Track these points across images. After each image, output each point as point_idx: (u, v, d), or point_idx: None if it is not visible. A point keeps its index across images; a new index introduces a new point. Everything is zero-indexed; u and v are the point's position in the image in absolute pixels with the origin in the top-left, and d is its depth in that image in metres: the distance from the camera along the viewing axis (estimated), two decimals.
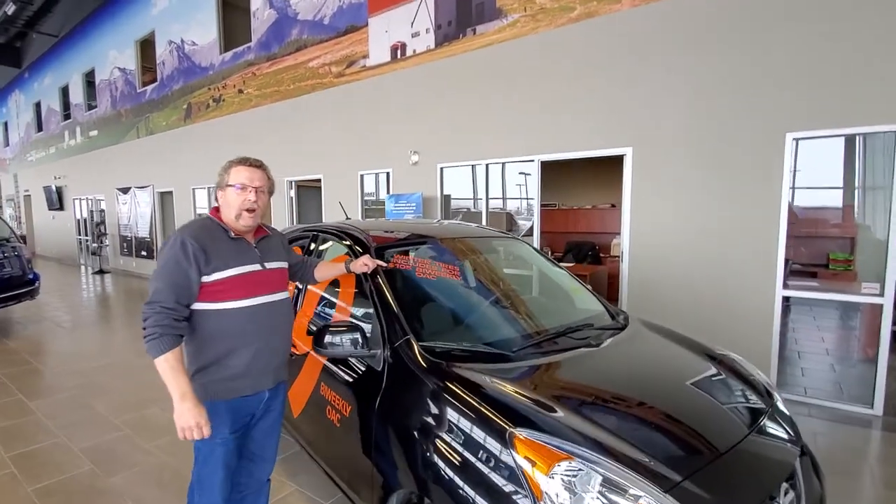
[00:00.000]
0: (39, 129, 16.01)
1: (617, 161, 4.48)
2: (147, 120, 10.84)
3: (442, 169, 5.78)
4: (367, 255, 2.09)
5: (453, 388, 1.57)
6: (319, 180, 7.20)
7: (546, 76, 4.80)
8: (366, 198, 6.74)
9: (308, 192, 8.04)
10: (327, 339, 1.84)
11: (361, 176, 6.67)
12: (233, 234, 1.66)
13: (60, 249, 15.26)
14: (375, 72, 6.27)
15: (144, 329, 1.48)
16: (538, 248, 5.34)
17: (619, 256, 4.55)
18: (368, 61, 6.32)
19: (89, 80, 12.94)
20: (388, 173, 6.31)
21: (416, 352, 1.77)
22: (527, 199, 5.47)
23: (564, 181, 9.06)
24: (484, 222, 5.48)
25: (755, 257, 3.74)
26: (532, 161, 4.97)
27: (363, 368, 1.94)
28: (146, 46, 10.67)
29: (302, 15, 7.09)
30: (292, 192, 7.74)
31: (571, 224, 8.66)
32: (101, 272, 11.95)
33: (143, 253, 11.29)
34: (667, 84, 4.08)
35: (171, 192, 10.36)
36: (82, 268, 13.15)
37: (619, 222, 4.53)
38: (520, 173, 5.35)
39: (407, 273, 2.16)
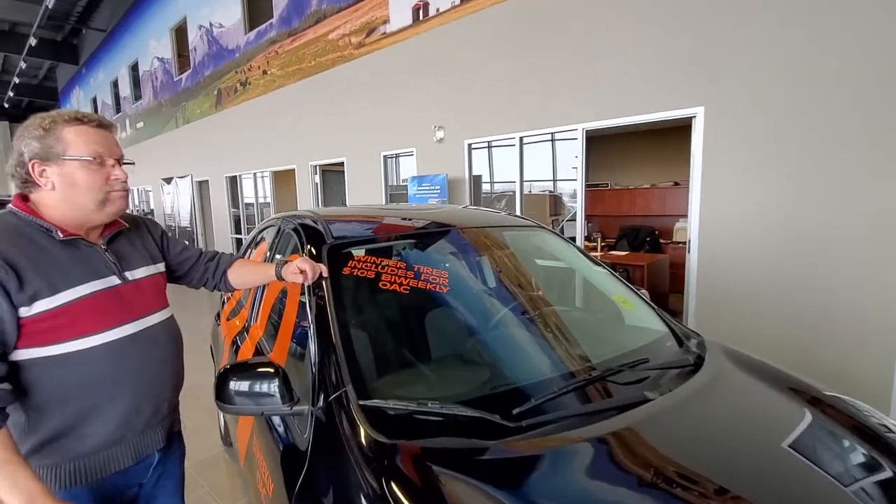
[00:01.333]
0: None
1: (681, 131, 3.57)
2: (183, 109, 10.79)
3: (470, 146, 5.03)
4: (302, 258, 1.42)
5: (399, 496, 0.91)
6: (342, 164, 6.66)
7: (591, 22, 3.91)
8: (393, 182, 6.13)
9: (334, 176, 7.55)
10: (231, 385, 1.22)
11: (384, 157, 6.04)
12: (61, 235, 1.04)
13: None
14: (396, 38, 5.57)
15: None
16: (583, 235, 4.53)
17: (683, 244, 3.64)
18: (389, 27, 5.63)
19: (134, 72, 13.16)
20: (412, 153, 5.64)
21: (354, 413, 1.11)
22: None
23: (617, 158, 8.01)
24: (518, 207, 4.70)
25: (885, 265, 2.73)
26: (575, 130, 4.11)
27: (287, 431, 1.30)
28: (180, 34, 10.55)
29: None
30: (317, 178, 7.27)
31: (626, 206, 7.63)
32: None
33: (185, 242, 11.37)
34: (761, 16, 3.09)
35: (207, 181, 10.28)
36: None
37: (684, 203, 3.62)
38: (575, 157, 4.50)
39: (367, 282, 1.49)
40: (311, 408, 1.21)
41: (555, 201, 8.20)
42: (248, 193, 9.11)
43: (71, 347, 1.02)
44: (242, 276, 1.48)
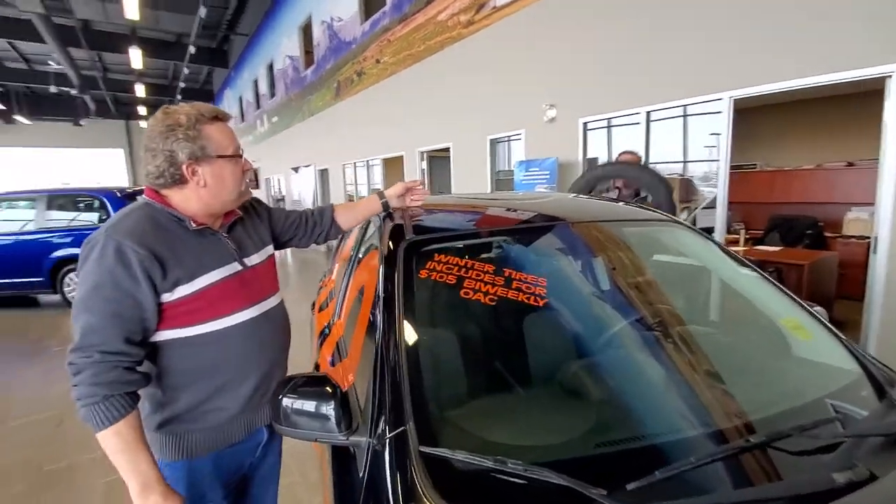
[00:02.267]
0: (242, 119, 18.88)
1: (858, 98, 2.72)
2: (309, 102, 11.59)
3: (585, 125, 4.51)
4: (400, 183, 1.53)
5: None
6: (448, 149, 6.52)
7: None
8: (505, 167, 5.84)
9: (441, 161, 7.47)
10: (286, 403, 1.07)
11: (491, 141, 5.75)
12: (194, 225, 1.11)
13: None
14: (507, 11, 5.20)
15: (75, 388, 0.98)
16: (724, 226, 3.79)
17: (858, 238, 2.80)
18: (499, 0, 5.27)
19: (270, 71, 14.51)
20: (520, 136, 5.27)
21: (412, 463, 0.88)
22: (715, 160, 3.88)
23: (769, 134, 6.73)
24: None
25: None
26: (720, 100, 3.41)
27: (345, 460, 1.12)
28: (306, 31, 11.29)
29: None
30: (424, 164, 7.25)
31: (779, 191, 6.38)
32: None
33: (286, 209, 12.41)
34: None
35: (327, 170, 10.96)
36: None
37: (859, 189, 2.78)
38: (713, 135, 3.79)
39: (447, 289, 1.24)
40: (370, 439, 1.01)
41: (686, 186, 7.18)
42: (362, 181, 9.50)
43: (208, 328, 1.11)
44: (349, 215, 1.55)
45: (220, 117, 1.13)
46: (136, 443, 1.00)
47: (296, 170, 13.06)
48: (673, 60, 3.66)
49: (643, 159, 3.96)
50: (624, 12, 3.97)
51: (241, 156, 1.15)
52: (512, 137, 5.50)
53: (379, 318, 1.20)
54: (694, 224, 5.37)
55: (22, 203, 6.46)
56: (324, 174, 11.34)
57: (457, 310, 1.30)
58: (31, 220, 6.30)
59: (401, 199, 1.51)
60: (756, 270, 1.51)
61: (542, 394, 1.26)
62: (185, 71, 17.45)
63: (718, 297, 1.63)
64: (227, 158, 1.11)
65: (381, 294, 1.23)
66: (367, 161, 8.96)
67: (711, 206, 3.84)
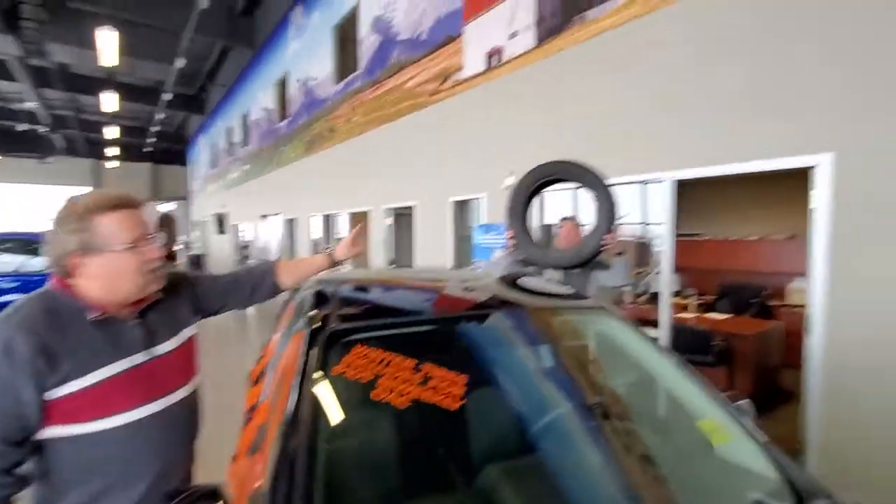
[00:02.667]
0: (213, 165, 18.83)
1: (797, 176, 2.93)
2: (280, 153, 11.70)
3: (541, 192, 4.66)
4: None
5: None
6: (411, 208, 6.61)
7: (672, 59, 3.45)
8: (473, 225, 5.92)
9: (407, 218, 7.55)
10: None
11: (455, 203, 5.87)
12: (93, 316, 1.06)
13: (224, 269, 17.48)
14: (469, 84, 5.48)
15: None
16: (672, 293, 3.88)
17: (801, 307, 2.90)
18: (462, 74, 5.57)
19: (245, 121, 14.68)
20: (481, 199, 5.40)
21: None
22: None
23: (717, 205, 7.13)
24: None
25: None
26: (662, 182, 3.60)
27: None
28: (282, 86, 11.58)
29: (402, 35, 6.70)
30: (390, 220, 7.31)
31: (728, 259, 6.69)
32: None
33: (215, 273, 12.12)
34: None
35: (295, 219, 10.91)
36: None
37: (803, 259, 2.93)
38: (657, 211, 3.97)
39: (362, 389, 1.19)
40: None
41: (642, 249, 7.42)
42: (329, 232, 9.46)
43: (91, 428, 1.03)
44: (293, 274, 1.50)
45: (123, 205, 1.09)
46: None
47: (264, 217, 12.95)
48: (620, 139, 3.88)
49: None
50: (573, 88, 4.25)
51: (141, 245, 1.09)
52: (474, 200, 5.64)
53: (288, 417, 1.14)
54: (647, 288, 5.53)
55: None
56: (291, 223, 11.27)
57: (370, 414, 1.25)
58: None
59: (348, 248, 1.54)
60: (680, 364, 1.52)
61: (460, 501, 1.21)
62: (161, 115, 17.48)
63: (643, 392, 1.63)
64: (119, 252, 1.06)
65: (293, 390, 1.17)
66: (335, 214, 8.98)
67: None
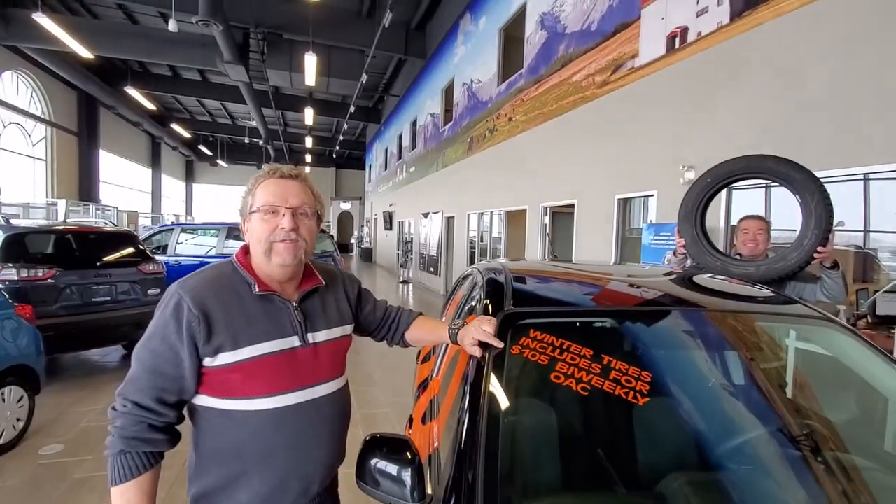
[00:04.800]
0: (384, 168, 20.95)
1: None
2: (443, 155, 12.43)
3: (729, 187, 4.08)
4: (487, 320, 1.22)
5: None
6: (570, 206, 6.39)
7: None
8: (637, 224, 5.53)
9: (564, 218, 7.34)
10: (372, 462, 1.10)
11: (620, 200, 5.50)
12: (258, 290, 1.05)
13: (389, 261, 19.36)
14: (645, 71, 5.06)
15: (109, 434, 0.97)
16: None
17: None
18: (637, 61, 5.17)
19: (413, 127, 15.98)
20: (651, 197, 4.96)
21: None
22: None
23: None
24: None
25: None
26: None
27: None
28: (448, 92, 12.28)
29: (570, 27, 6.52)
30: (546, 219, 7.19)
31: None
32: (405, 282, 14.41)
33: (431, 269, 12.96)
34: None
35: (453, 217, 11.49)
36: (398, 278, 16.21)
37: None
38: None
39: (539, 370, 1.19)
40: None
41: (864, 261, 5.94)
42: (484, 229, 9.75)
43: (236, 406, 1.02)
44: (418, 336, 1.39)
45: (280, 174, 1.09)
46: None
47: (426, 215, 13.93)
48: (830, 123, 3.17)
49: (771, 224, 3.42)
50: (781, 63, 3.60)
51: (273, 211, 1.05)
52: (643, 197, 5.20)
53: (466, 390, 1.19)
54: (874, 310, 4.40)
55: (210, 231, 7.95)
56: (450, 221, 11.90)
57: (547, 394, 1.23)
58: (213, 247, 7.68)
59: (472, 347, 1.19)
60: None
61: (636, 503, 1.11)
62: (345, 126, 20.12)
63: (877, 425, 1.28)
64: (255, 213, 1.06)
65: (471, 369, 1.22)
66: (492, 212, 9.20)
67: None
